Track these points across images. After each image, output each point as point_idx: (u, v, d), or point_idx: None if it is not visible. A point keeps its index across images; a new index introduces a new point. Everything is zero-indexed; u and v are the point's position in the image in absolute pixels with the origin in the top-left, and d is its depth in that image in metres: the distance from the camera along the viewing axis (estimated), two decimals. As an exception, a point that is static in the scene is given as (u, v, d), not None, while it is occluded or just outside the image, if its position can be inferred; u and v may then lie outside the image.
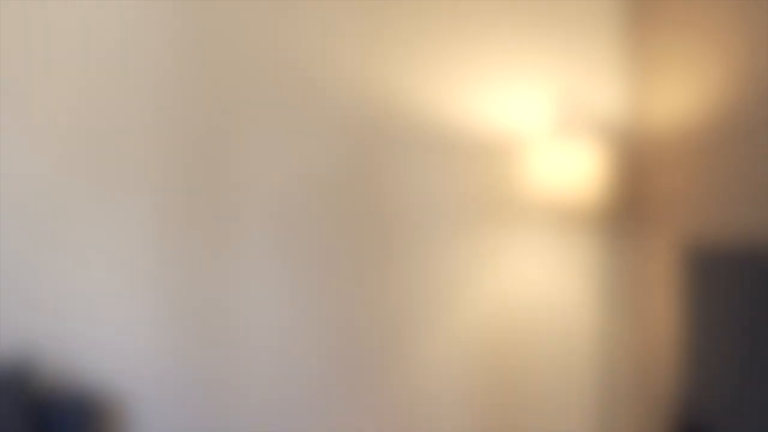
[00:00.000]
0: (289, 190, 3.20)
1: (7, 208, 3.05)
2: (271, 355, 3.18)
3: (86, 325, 3.08)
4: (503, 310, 3.29)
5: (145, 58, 3.13)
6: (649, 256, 3.22)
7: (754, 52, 2.60)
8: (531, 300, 3.30)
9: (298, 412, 3.19)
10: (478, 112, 3.29)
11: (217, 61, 3.16)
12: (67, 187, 3.09)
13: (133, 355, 3.11)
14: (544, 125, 3.31)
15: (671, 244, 3.07)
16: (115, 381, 3.10)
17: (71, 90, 3.09)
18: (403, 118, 3.26)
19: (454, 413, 3.27)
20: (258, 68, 3.19)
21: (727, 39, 2.73)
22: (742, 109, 2.66)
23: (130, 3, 3.13)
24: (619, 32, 3.36)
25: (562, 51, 3.33)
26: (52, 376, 3.07)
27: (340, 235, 3.22)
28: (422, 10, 3.27)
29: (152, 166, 3.13)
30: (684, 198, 2.98)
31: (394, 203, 3.25)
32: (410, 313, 3.25)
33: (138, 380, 3.11)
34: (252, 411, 3.17)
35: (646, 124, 3.26)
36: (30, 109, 3.07)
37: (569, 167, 3.15)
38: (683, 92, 3.00)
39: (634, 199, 3.28)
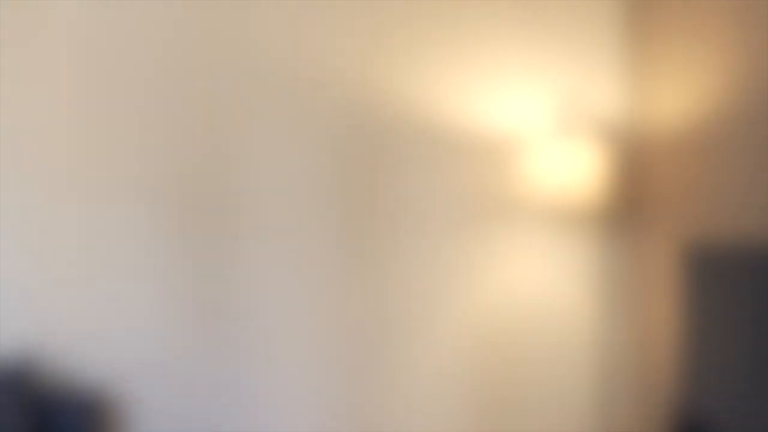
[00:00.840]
0: (290, 189, 3.20)
1: (7, 208, 3.05)
2: (271, 355, 3.18)
3: (86, 325, 3.08)
4: (503, 310, 3.29)
5: (144, 57, 3.13)
6: (649, 256, 3.22)
7: (753, 53, 2.60)
8: (531, 299, 3.30)
9: (299, 412, 3.20)
10: (478, 111, 3.29)
11: (218, 62, 3.16)
12: (67, 186, 3.09)
13: (133, 355, 3.11)
14: (544, 125, 3.31)
15: (671, 244, 3.07)
16: (116, 381, 3.10)
17: (71, 88, 3.09)
18: (403, 118, 3.26)
19: (452, 413, 3.27)
20: (258, 69, 3.19)
21: (727, 39, 2.73)
22: (742, 109, 2.66)
23: (126, 5, 3.13)
24: (619, 32, 3.36)
25: (562, 51, 3.33)
26: (52, 376, 3.07)
27: (340, 235, 3.22)
28: (422, 11, 3.27)
29: (153, 164, 3.13)
30: (684, 198, 2.98)
31: (394, 203, 3.25)
32: (410, 313, 3.25)
33: (138, 380, 3.11)
34: (253, 411, 3.17)
35: (646, 124, 3.26)
36: (30, 108, 3.07)
37: (569, 167, 3.15)
38: (683, 92, 3.00)
39: (634, 199, 3.28)
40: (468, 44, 3.29)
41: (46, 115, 3.08)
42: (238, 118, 3.18)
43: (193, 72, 3.16)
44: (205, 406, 3.15)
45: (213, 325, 3.15)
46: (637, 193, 3.28)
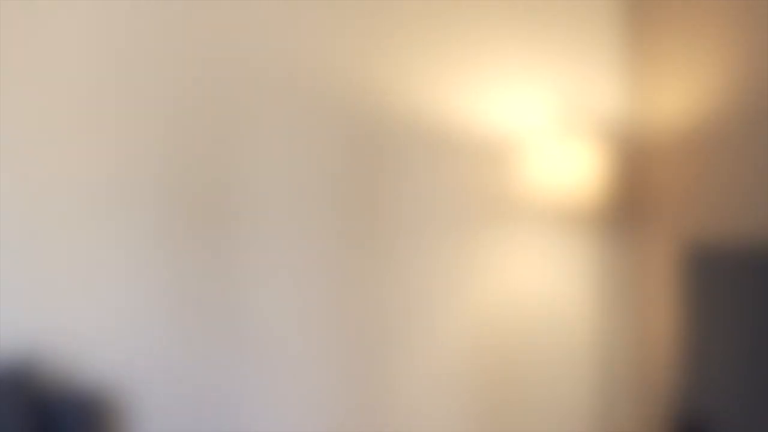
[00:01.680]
0: (290, 189, 3.20)
1: (7, 208, 3.05)
2: (272, 355, 3.18)
3: (87, 325, 3.08)
4: (503, 310, 3.29)
5: (145, 60, 3.13)
6: (649, 256, 3.22)
7: (754, 52, 2.60)
8: (531, 299, 3.30)
9: (299, 412, 3.20)
10: (478, 112, 3.29)
11: (218, 64, 3.16)
12: (67, 186, 3.09)
13: (134, 355, 3.11)
14: (544, 125, 3.31)
15: (671, 244, 3.07)
16: (117, 381, 3.10)
17: (71, 90, 3.09)
18: (404, 118, 3.26)
19: (452, 413, 3.27)
20: (258, 70, 3.18)
21: (727, 39, 2.74)
22: (742, 109, 2.66)
23: (129, 7, 3.13)
24: (619, 32, 3.36)
25: (563, 51, 3.33)
26: (53, 375, 3.07)
27: (340, 236, 3.22)
28: (422, 11, 3.27)
29: (155, 166, 3.13)
30: (684, 198, 2.98)
31: (394, 203, 3.25)
32: (410, 313, 3.25)
33: (139, 380, 3.11)
34: (253, 411, 3.17)
35: (646, 124, 3.26)
36: (30, 109, 3.07)
37: (569, 167, 3.15)
38: (683, 92, 3.00)
39: (634, 199, 3.28)
40: (468, 44, 3.29)
41: (46, 117, 3.08)
42: (238, 119, 3.18)
43: (194, 73, 3.16)
44: (205, 407, 3.15)
45: (213, 325, 3.15)
46: (637, 193, 3.28)
